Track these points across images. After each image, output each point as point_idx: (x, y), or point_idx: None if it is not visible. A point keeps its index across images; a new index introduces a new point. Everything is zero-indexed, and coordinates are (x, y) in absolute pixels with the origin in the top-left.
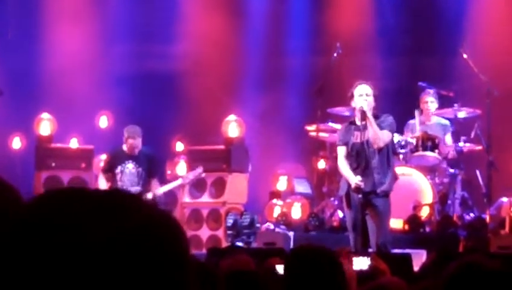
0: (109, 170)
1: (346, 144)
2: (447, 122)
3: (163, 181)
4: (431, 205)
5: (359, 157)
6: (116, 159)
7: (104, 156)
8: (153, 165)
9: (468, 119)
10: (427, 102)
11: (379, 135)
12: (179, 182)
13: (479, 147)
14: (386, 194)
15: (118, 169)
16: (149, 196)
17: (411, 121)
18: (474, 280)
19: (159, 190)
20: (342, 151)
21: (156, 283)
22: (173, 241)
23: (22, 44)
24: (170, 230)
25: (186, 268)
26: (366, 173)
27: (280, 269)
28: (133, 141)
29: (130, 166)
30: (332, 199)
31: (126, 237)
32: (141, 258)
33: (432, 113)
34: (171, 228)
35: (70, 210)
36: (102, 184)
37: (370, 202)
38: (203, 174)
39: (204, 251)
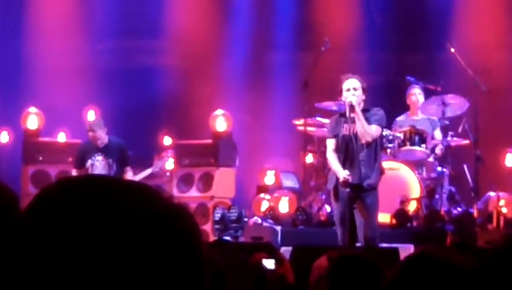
0: (81, 164)
1: (335, 136)
2: (434, 117)
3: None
4: (418, 200)
5: (347, 150)
6: (85, 153)
7: None
8: (124, 155)
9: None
10: (414, 96)
11: (367, 130)
12: (149, 171)
13: (467, 142)
14: (373, 188)
15: (88, 163)
16: None
17: (398, 118)
18: (424, 270)
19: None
20: (331, 143)
21: (173, 275)
22: (192, 234)
23: (9, 39)
24: (189, 222)
25: (202, 262)
26: (353, 166)
27: (267, 263)
28: (92, 133)
29: (99, 158)
30: (320, 193)
31: (147, 227)
32: (160, 248)
33: (419, 107)
34: (190, 220)
35: (91, 197)
36: None
37: (358, 196)
38: (172, 162)
39: None
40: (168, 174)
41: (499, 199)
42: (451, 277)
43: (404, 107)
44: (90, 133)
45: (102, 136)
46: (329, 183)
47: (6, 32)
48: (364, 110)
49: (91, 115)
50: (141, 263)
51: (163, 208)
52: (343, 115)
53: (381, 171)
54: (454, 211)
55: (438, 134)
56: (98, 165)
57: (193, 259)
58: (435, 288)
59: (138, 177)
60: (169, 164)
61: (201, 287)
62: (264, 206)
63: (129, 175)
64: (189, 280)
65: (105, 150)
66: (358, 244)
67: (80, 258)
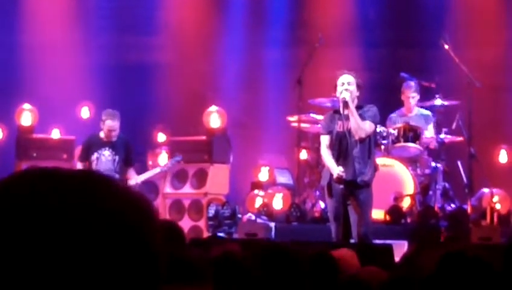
0: (86, 157)
1: (329, 133)
2: (428, 113)
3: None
4: (412, 196)
5: (341, 146)
6: (92, 146)
7: None
8: (130, 154)
9: (450, 110)
10: (409, 93)
11: (360, 126)
12: (157, 170)
13: (460, 138)
14: (367, 185)
15: (94, 156)
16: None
17: (392, 115)
18: (459, 268)
19: (138, 178)
20: (325, 140)
21: (124, 270)
22: (144, 229)
23: (3, 34)
24: (143, 217)
25: (156, 258)
26: (346, 162)
27: None
28: (111, 122)
29: (106, 153)
30: (314, 189)
31: (97, 221)
32: (110, 243)
33: (413, 104)
34: (145, 214)
35: (42, 190)
36: None
37: (352, 192)
38: (181, 162)
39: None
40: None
41: (492, 195)
42: (485, 273)
43: (398, 104)
44: (109, 122)
45: (118, 129)
46: (323, 180)
47: (1, 28)
48: (358, 107)
49: (85, 112)
50: (88, 257)
51: (113, 201)
52: (337, 111)
53: (375, 168)
54: (448, 208)
55: (430, 130)
56: (103, 159)
57: (144, 253)
58: (471, 284)
59: (146, 175)
60: (163, 158)
61: (155, 282)
62: (258, 202)
63: (132, 176)
64: (141, 273)
65: (113, 146)
66: (352, 241)
67: (22, 254)
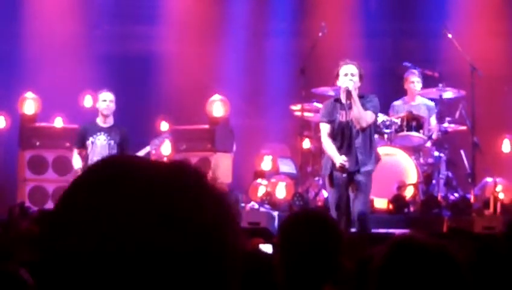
0: (82, 143)
1: (330, 121)
2: (431, 103)
3: None
4: (415, 185)
5: (343, 136)
6: (88, 131)
7: None
8: (126, 141)
9: (453, 99)
10: (412, 82)
11: (362, 116)
12: (147, 149)
13: (464, 128)
14: (369, 174)
15: (89, 140)
16: None
17: (395, 103)
18: (406, 258)
19: None
20: (325, 128)
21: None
22: (227, 228)
23: (5, 24)
24: (228, 216)
25: (236, 258)
26: (349, 152)
27: (264, 248)
28: (106, 93)
29: (101, 138)
30: (317, 178)
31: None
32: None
33: (416, 93)
34: (229, 214)
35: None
36: (76, 160)
37: (353, 179)
38: (169, 138)
39: None
40: (165, 159)
41: (495, 184)
42: (435, 263)
43: (401, 93)
44: (107, 93)
45: (113, 103)
46: (324, 170)
47: (3, 17)
48: (359, 97)
49: (88, 100)
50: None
51: (204, 198)
52: (337, 100)
53: (378, 158)
54: (451, 197)
55: (433, 120)
56: (98, 144)
57: (225, 252)
58: (420, 274)
59: (137, 155)
60: (166, 146)
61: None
62: (261, 191)
63: None
64: (222, 273)
65: (109, 131)
66: (353, 230)
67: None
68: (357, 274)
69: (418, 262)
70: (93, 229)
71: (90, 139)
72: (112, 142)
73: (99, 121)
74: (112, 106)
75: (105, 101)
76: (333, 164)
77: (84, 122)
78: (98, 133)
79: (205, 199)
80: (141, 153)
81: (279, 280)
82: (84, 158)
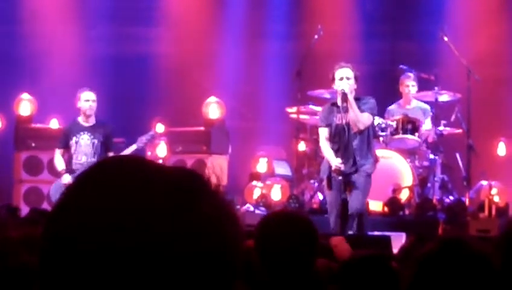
0: (65, 143)
1: (328, 125)
2: (427, 106)
3: None
4: (411, 188)
5: (340, 139)
6: (71, 131)
7: None
8: (109, 138)
9: (449, 102)
10: (407, 85)
11: (359, 118)
12: (133, 147)
13: (459, 131)
14: (368, 175)
15: (73, 140)
16: None
17: (390, 107)
18: (452, 260)
19: None
20: (323, 132)
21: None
22: (233, 235)
23: (1, 25)
24: (233, 223)
25: (237, 262)
26: (346, 155)
27: None
28: (87, 93)
29: (85, 137)
30: (312, 181)
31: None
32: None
33: (412, 93)
34: (235, 221)
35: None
36: (59, 160)
37: (350, 180)
38: (155, 135)
39: None
40: (160, 161)
41: (491, 187)
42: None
43: (396, 96)
44: (89, 93)
45: (95, 102)
46: (323, 173)
47: (0, 18)
48: (356, 99)
49: None
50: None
51: (209, 205)
52: (334, 104)
53: (376, 159)
54: (447, 200)
55: (428, 123)
56: (82, 143)
57: (227, 257)
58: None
59: (124, 153)
60: (162, 149)
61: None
62: (256, 193)
63: None
64: (223, 276)
65: (92, 130)
66: (350, 233)
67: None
68: (341, 276)
69: (462, 263)
70: (93, 229)
71: (74, 138)
72: (96, 141)
73: (82, 120)
74: (94, 105)
75: (88, 101)
76: (331, 167)
77: (68, 124)
78: (82, 133)
79: (209, 201)
80: (128, 150)
81: (259, 279)
82: (67, 159)
